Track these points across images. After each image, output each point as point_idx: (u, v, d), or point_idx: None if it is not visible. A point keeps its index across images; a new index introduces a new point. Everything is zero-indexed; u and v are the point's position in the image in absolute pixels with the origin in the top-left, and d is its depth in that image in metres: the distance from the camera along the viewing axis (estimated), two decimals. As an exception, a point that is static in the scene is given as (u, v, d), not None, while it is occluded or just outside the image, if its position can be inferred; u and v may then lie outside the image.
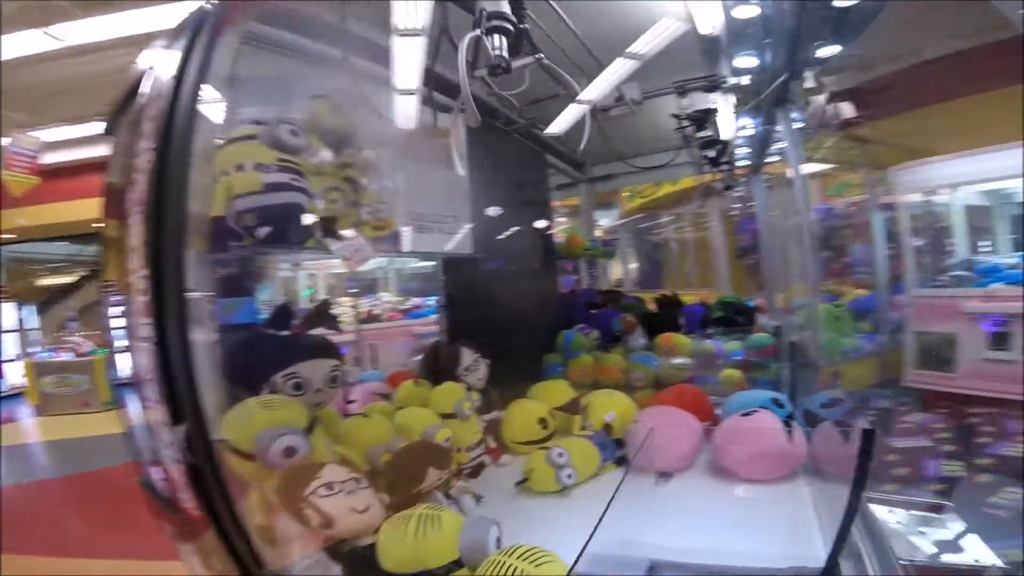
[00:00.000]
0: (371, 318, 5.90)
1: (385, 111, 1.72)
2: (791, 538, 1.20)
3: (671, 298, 3.03)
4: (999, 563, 1.31)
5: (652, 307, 3.06)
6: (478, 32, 0.96)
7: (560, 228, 3.30)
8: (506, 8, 0.96)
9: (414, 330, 5.58)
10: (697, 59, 1.77)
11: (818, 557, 1.08)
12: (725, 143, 2.17)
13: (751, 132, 2.48)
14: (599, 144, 2.29)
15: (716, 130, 2.06)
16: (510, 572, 0.82)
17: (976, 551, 1.36)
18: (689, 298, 3.78)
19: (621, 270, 7.62)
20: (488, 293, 2.26)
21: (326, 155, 1.57)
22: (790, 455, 1.55)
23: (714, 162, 2.41)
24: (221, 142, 1.27)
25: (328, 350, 1.35)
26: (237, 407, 1.09)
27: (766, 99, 1.76)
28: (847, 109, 2.08)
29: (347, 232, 1.37)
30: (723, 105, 2.04)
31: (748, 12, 1.40)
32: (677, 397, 1.94)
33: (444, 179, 1.94)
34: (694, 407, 1.88)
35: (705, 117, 2.02)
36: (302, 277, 5.20)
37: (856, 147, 5.59)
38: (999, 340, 4.38)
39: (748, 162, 3.04)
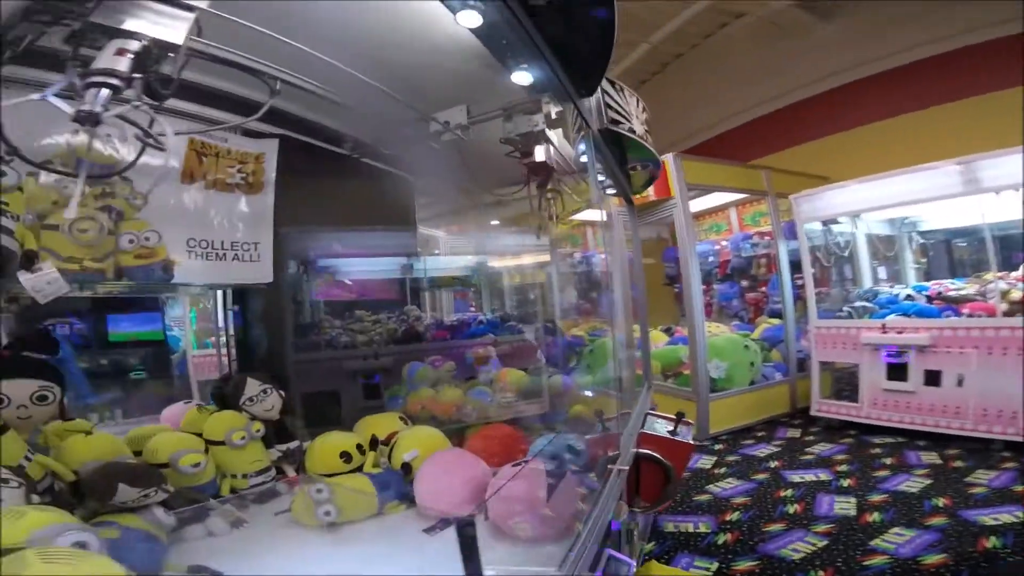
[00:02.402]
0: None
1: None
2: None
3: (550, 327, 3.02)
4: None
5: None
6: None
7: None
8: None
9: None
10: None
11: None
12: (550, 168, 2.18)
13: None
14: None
15: (549, 155, 2.07)
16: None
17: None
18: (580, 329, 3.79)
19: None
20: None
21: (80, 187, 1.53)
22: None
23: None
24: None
25: (38, 371, 1.35)
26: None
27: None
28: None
29: (42, 265, 1.34)
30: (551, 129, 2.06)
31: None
32: (485, 438, 1.90)
33: (245, 205, 1.91)
34: (503, 448, 1.84)
35: (537, 140, 2.02)
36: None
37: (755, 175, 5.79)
38: (896, 371, 4.47)
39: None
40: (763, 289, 6.32)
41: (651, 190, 4.94)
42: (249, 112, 1.83)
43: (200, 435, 1.66)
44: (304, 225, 2.38)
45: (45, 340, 1.51)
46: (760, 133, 7.87)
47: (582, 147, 2.17)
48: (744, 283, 6.48)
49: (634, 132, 2.53)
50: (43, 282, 1.27)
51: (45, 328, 1.53)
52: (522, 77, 1.59)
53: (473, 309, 3.43)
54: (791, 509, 3.18)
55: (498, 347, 2.72)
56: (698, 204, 6.11)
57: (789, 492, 3.46)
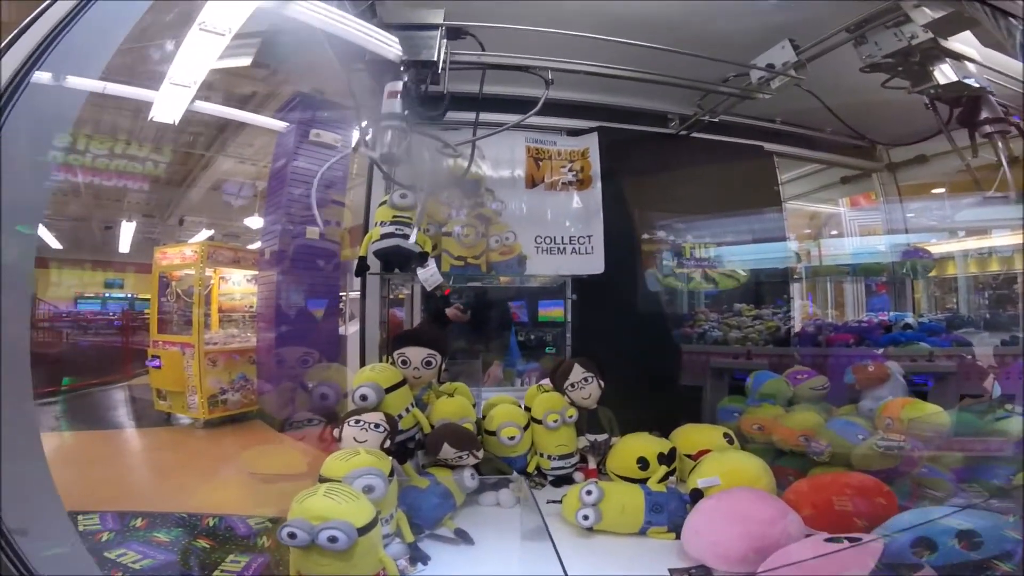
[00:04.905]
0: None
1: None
2: None
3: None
4: None
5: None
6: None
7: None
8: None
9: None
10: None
11: None
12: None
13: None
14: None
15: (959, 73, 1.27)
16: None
17: None
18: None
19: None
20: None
21: (462, 199, 2.04)
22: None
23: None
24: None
25: (426, 342, 1.70)
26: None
27: None
28: None
29: (429, 262, 1.78)
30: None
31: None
32: (819, 486, 1.37)
33: (578, 201, 2.04)
34: (831, 505, 1.30)
35: (929, 59, 1.29)
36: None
37: None
38: None
39: None
40: None
41: None
42: (570, 113, 1.96)
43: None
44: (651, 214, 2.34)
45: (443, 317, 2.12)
46: None
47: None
48: None
49: None
50: (428, 274, 1.75)
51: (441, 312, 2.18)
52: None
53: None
54: None
55: (908, 362, 1.89)
56: None
57: None
